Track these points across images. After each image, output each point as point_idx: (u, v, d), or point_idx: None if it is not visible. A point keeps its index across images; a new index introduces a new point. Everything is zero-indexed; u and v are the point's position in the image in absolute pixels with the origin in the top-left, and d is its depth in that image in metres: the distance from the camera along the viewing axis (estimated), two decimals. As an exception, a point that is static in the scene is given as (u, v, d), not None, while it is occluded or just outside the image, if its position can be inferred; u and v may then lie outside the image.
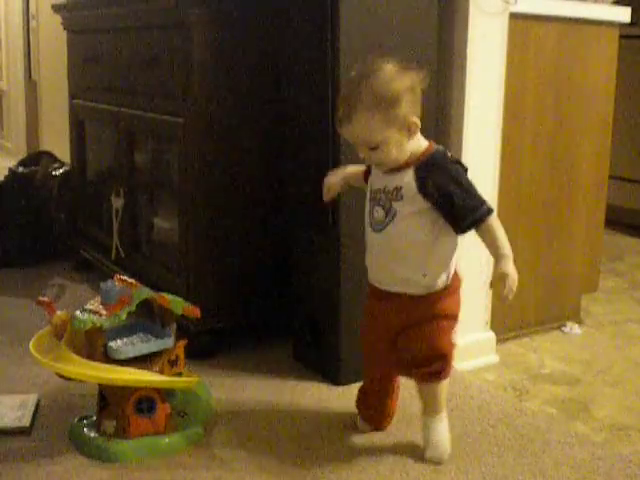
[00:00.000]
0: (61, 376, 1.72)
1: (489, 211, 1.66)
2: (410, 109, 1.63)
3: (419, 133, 1.69)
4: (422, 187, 1.65)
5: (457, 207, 1.64)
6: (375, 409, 1.87)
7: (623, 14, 2.57)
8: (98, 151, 3.01)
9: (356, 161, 1.80)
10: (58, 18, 3.20)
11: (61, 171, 3.31)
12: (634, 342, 2.56)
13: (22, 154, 5.08)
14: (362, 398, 1.88)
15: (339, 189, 1.86)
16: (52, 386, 2.01)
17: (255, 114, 2.28)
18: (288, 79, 2.15)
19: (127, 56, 2.58)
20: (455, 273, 1.76)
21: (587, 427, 1.95)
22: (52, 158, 3.51)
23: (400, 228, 1.68)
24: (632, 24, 2.66)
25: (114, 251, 2.75)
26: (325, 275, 2.08)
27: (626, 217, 4.07)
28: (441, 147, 1.72)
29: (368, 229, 1.75)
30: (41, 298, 1.79)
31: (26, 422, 1.84)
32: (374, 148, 1.65)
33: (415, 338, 1.72)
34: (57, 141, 4.56)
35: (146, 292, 1.76)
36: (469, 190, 1.66)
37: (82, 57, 2.95)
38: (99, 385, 1.77)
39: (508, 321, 2.48)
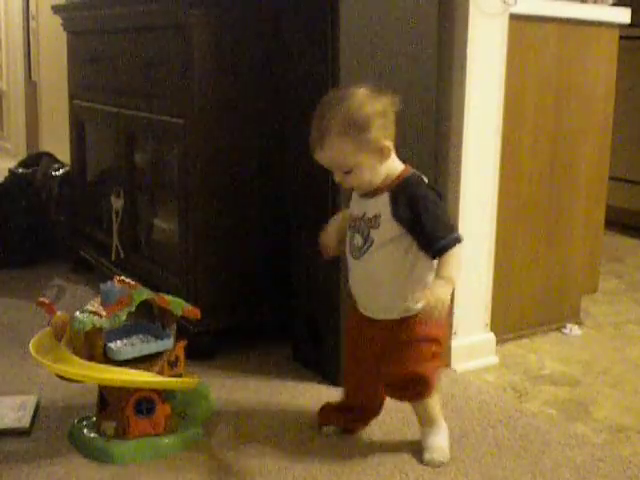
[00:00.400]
0: (61, 377, 1.72)
1: (455, 241, 1.64)
2: (381, 133, 1.64)
3: (394, 156, 1.69)
4: (395, 211, 1.65)
5: (425, 234, 1.64)
6: (354, 419, 1.86)
7: (623, 15, 2.57)
8: (98, 152, 3.01)
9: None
10: (58, 19, 3.20)
11: (61, 172, 3.31)
12: (634, 343, 2.56)
13: (22, 155, 5.09)
14: (341, 408, 1.88)
15: (335, 243, 1.82)
16: (52, 387, 2.01)
17: (255, 115, 2.28)
18: (288, 79, 2.15)
19: (127, 57, 2.58)
20: None
21: (587, 428, 1.95)
22: (52, 159, 3.51)
23: (377, 256, 1.69)
24: (632, 25, 2.66)
25: (114, 252, 2.75)
26: (324, 276, 2.08)
27: (626, 218, 4.07)
28: (416, 171, 1.72)
29: (349, 256, 1.76)
30: (41, 299, 1.79)
31: (26, 423, 1.84)
32: (348, 172, 1.66)
33: (396, 362, 1.73)
34: (57, 142, 4.56)
35: (146, 293, 1.76)
36: (439, 217, 1.65)
37: (82, 58, 2.95)
38: (99, 386, 1.77)
39: (508, 322, 2.47)
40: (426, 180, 1.71)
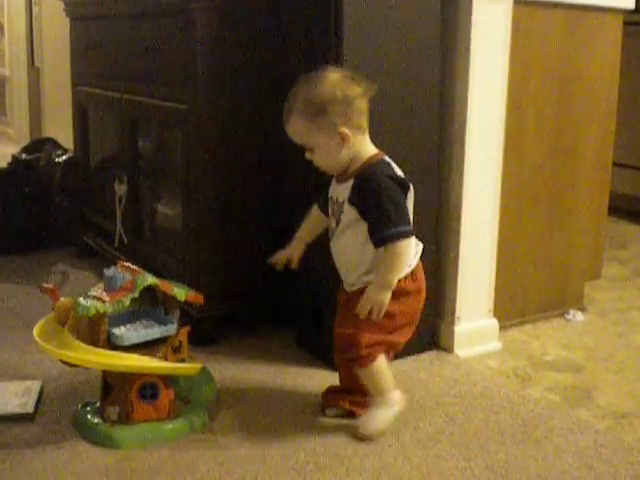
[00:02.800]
0: (65, 362, 1.73)
1: (396, 236, 1.67)
2: (339, 120, 1.68)
3: (365, 142, 1.74)
4: (352, 196, 1.71)
5: (369, 223, 1.69)
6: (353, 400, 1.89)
7: (627, 0, 2.56)
8: (101, 138, 3.00)
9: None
10: (61, 4, 3.19)
11: (64, 158, 3.31)
12: (637, 329, 2.55)
13: (25, 141, 5.08)
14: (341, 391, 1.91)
15: (300, 253, 1.92)
16: (56, 372, 2.02)
17: (258, 100, 2.28)
18: (291, 66, 2.15)
19: (130, 43, 2.57)
20: (411, 278, 1.76)
21: (590, 414, 1.96)
22: (55, 145, 3.51)
23: (342, 238, 1.77)
24: (636, 11, 2.64)
25: (117, 238, 2.76)
26: (328, 261, 2.08)
27: (630, 205, 4.07)
28: (385, 159, 1.75)
29: (329, 236, 1.83)
30: (45, 285, 1.79)
31: (30, 408, 1.84)
32: (311, 149, 1.73)
33: (338, 323, 1.79)
34: (60, 128, 4.56)
35: (149, 279, 1.76)
36: (387, 209, 1.67)
37: (85, 44, 2.95)
38: (102, 371, 1.77)
39: (511, 308, 2.47)
40: (395, 168, 1.74)
